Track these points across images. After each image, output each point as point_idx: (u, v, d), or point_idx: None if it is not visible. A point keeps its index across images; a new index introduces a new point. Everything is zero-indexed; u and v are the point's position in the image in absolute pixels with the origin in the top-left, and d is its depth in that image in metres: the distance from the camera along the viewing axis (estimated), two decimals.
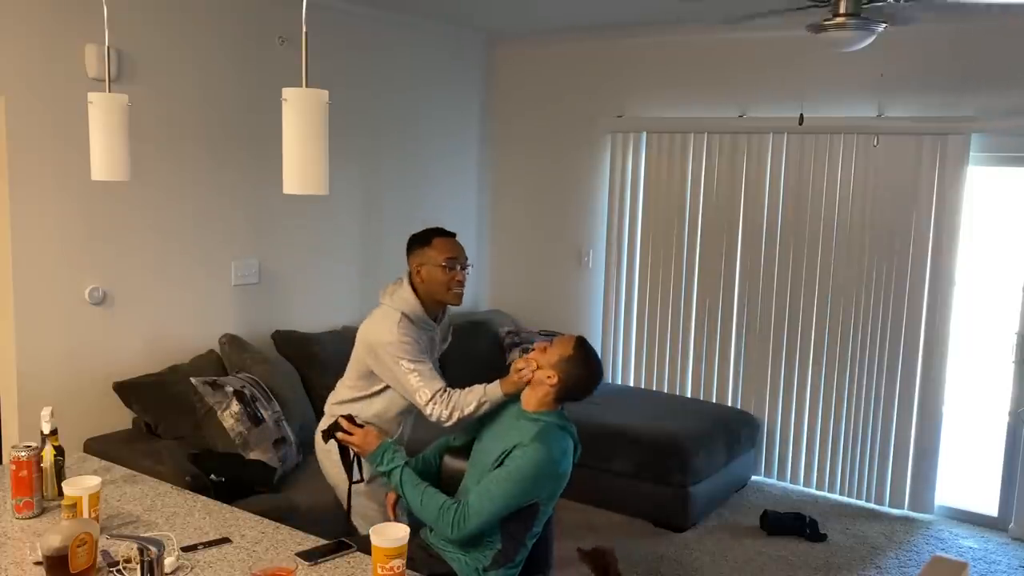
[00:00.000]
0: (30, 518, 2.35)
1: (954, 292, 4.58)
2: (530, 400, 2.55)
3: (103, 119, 2.40)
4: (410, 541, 2.01)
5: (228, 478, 3.41)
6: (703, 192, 5.25)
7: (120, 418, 3.88)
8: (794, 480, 5.12)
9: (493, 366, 4.84)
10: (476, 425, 2.73)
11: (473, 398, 2.66)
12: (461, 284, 2.86)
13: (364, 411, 2.89)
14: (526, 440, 2.42)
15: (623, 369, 5.67)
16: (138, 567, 1.92)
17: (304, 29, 1.85)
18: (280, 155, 1.83)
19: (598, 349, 5.71)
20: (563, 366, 2.50)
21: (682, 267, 5.37)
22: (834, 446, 4.97)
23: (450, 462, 2.82)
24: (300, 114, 1.81)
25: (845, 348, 4.88)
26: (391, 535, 1.96)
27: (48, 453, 2.45)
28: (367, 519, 2.84)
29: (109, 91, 2.46)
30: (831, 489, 5.00)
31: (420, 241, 2.88)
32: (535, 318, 5.91)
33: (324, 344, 4.49)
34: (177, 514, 2.43)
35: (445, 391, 2.71)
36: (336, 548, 2.22)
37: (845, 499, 4.95)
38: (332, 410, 2.97)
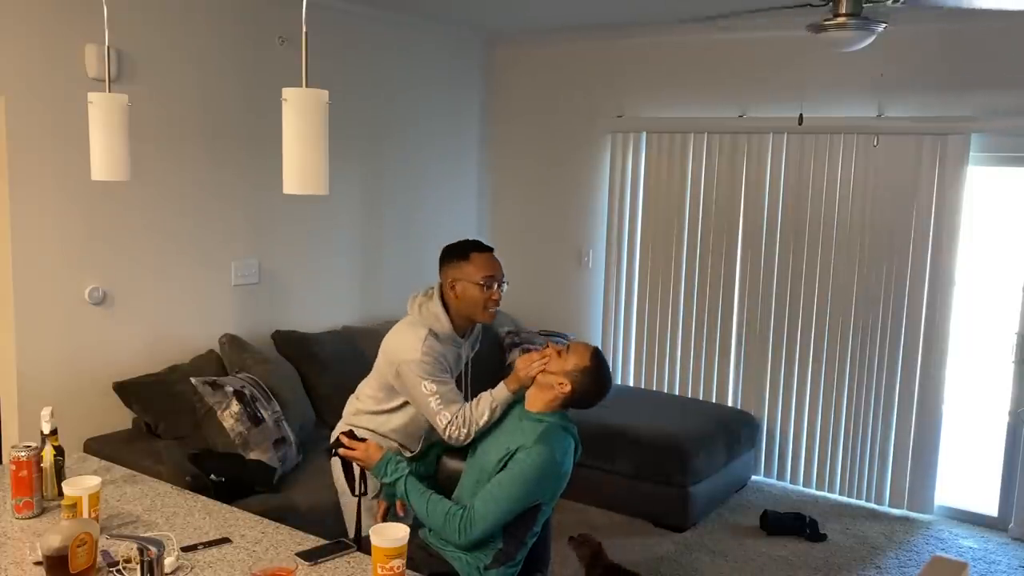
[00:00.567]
0: (30, 518, 2.35)
1: (954, 292, 4.58)
2: (535, 402, 2.55)
3: (103, 119, 2.40)
4: (409, 541, 2.01)
5: (228, 478, 3.41)
6: (703, 192, 5.25)
7: (120, 418, 3.88)
8: (794, 480, 5.12)
9: (493, 366, 4.84)
10: None
11: (484, 406, 2.59)
12: (497, 303, 2.74)
13: (384, 425, 2.85)
14: (529, 442, 2.42)
15: (623, 369, 5.67)
16: (138, 567, 1.92)
17: (304, 29, 1.85)
18: (280, 155, 1.83)
19: None
20: (578, 376, 2.49)
21: (682, 267, 5.37)
22: (834, 446, 4.97)
23: (448, 462, 2.82)
24: (300, 114, 1.81)
25: (845, 348, 4.88)
26: (391, 535, 1.96)
27: (48, 453, 2.45)
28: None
29: (109, 91, 2.46)
30: (831, 489, 5.00)
31: (457, 255, 2.74)
32: (535, 318, 5.91)
33: (324, 344, 4.49)
34: (177, 514, 2.43)
35: (460, 411, 2.63)
36: (336, 548, 2.22)
37: (845, 499, 4.95)
38: (352, 420, 2.90)
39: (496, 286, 2.72)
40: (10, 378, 3.63)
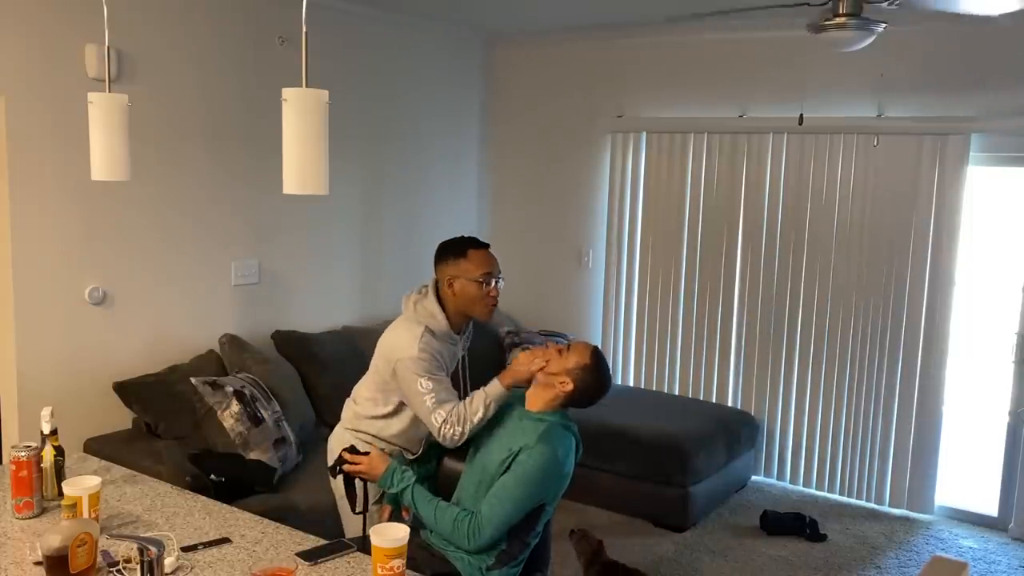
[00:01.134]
0: (30, 518, 2.35)
1: (954, 292, 4.58)
2: (536, 401, 2.55)
3: (103, 119, 2.40)
4: (411, 541, 2.01)
5: (228, 478, 3.41)
6: (703, 192, 5.25)
7: (120, 418, 3.88)
8: (794, 480, 5.12)
9: (493, 366, 4.82)
10: None
11: (478, 403, 2.57)
12: (495, 300, 2.73)
13: (384, 431, 2.83)
14: (531, 442, 2.42)
15: (623, 369, 5.67)
16: (138, 567, 1.92)
17: (304, 29, 1.84)
18: (280, 155, 1.83)
19: None
20: (579, 374, 2.50)
21: (682, 267, 5.37)
22: (834, 446, 4.97)
23: (449, 463, 2.82)
24: (300, 114, 1.81)
25: (845, 348, 4.88)
26: (391, 535, 1.96)
27: (48, 453, 2.45)
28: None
29: (109, 91, 2.46)
30: (831, 489, 5.00)
31: (454, 252, 2.74)
32: (535, 318, 5.91)
33: (324, 344, 4.49)
34: (177, 514, 2.43)
35: (454, 409, 2.60)
36: (336, 548, 2.22)
37: (845, 499, 4.95)
38: (353, 425, 2.89)
39: (494, 282, 2.72)
40: (10, 378, 3.63)
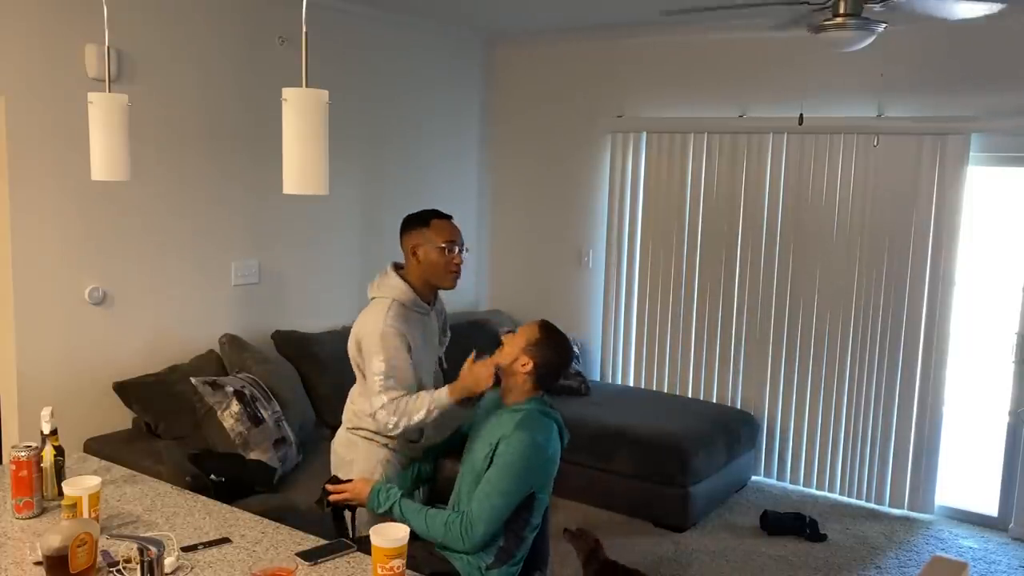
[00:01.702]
0: (30, 518, 2.35)
1: (954, 292, 4.58)
2: (508, 395, 2.57)
3: (103, 119, 2.40)
4: (413, 540, 2.01)
5: (228, 478, 3.41)
6: (703, 192, 5.25)
7: (120, 418, 3.88)
8: (794, 480, 5.12)
9: None
10: (468, 427, 2.73)
11: (422, 405, 2.61)
12: (458, 268, 2.80)
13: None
14: (508, 431, 2.43)
15: (623, 369, 5.67)
16: (138, 567, 1.92)
17: (304, 29, 1.84)
18: (280, 155, 1.83)
19: (598, 349, 5.72)
20: (533, 349, 2.52)
21: (682, 267, 5.37)
22: (834, 446, 4.97)
23: (448, 463, 2.81)
24: (300, 114, 1.81)
25: (845, 348, 4.88)
26: (391, 535, 1.96)
27: (48, 453, 2.45)
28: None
29: (109, 91, 2.46)
30: (831, 489, 5.00)
31: (417, 222, 2.81)
32: (535, 318, 5.87)
33: (324, 344, 4.49)
34: (177, 514, 2.43)
35: (397, 399, 2.63)
36: (336, 548, 2.22)
37: (845, 499, 4.95)
38: (355, 423, 2.88)
39: (457, 250, 2.77)
40: (10, 378, 3.63)
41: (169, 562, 2.06)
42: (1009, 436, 4.52)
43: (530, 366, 2.51)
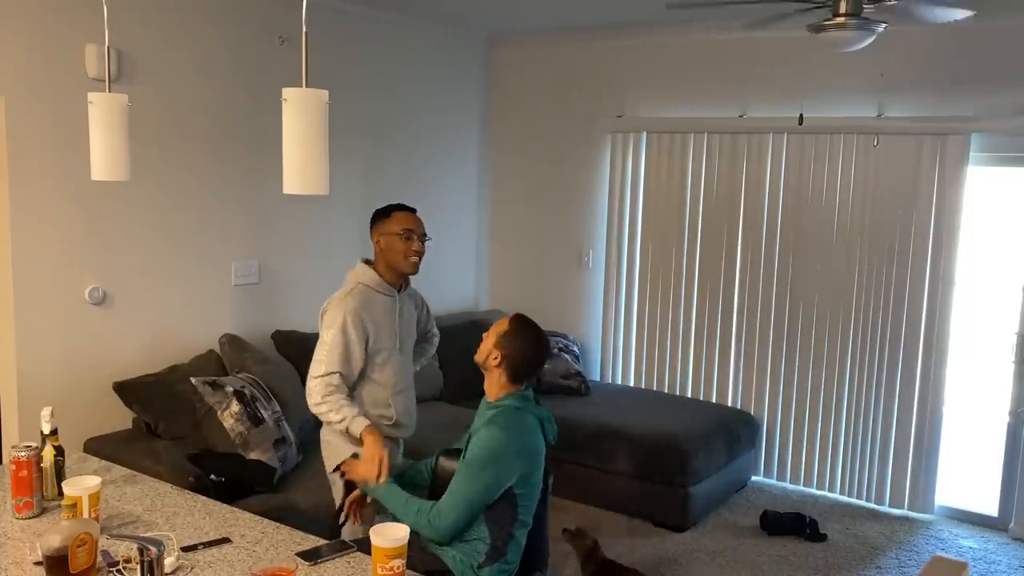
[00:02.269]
0: (30, 518, 2.35)
1: (954, 292, 4.58)
2: (489, 392, 2.59)
3: (103, 119, 2.40)
4: (411, 541, 2.02)
5: (228, 478, 3.40)
6: (703, 192, 5.25)
7: (120, 418, 3.88)
8: (794, 480, 5.12)
9: None
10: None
11: (340, 415, 2.82)
12: (417, 254, 3.01)
13: (362, 403, 2.97)
14: (479, 426, 2.49)
15: (623, 369, 5.67)
16: (138, 567, 1.92)
17: (304, 29, 1.85)
18: (280, 155, 1.83)
19: (598, 349, 5.72)
20: (504, 341, 2.53)
21: (682, 267, 5.37)
22: (834, 446, 4.97)
23: (446, 463, 2.81)
24: (300, 114, 1.81)
25: (845, 348, 4.88)
26: (391, 535, 1.96)
27: (48, 453, 2.45)
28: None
29: (109, 91, 2.46)
30: (831, 489, 5.00)
31: (381, 215, 3.07)
32: (535, 318, 5.83)
33: None
34: (177, 514, 2.43)
35: (335, 386, 2.83)
36: (336, 548, 2.22)
37: (845, 499, 4.95)
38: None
39: (415, 238, 3.00)
40: (10, 378, 3.63)
41: (169, 562, 2.06)
42: (1009, 436, 4.52)
43: (499, 358, 2.52)
